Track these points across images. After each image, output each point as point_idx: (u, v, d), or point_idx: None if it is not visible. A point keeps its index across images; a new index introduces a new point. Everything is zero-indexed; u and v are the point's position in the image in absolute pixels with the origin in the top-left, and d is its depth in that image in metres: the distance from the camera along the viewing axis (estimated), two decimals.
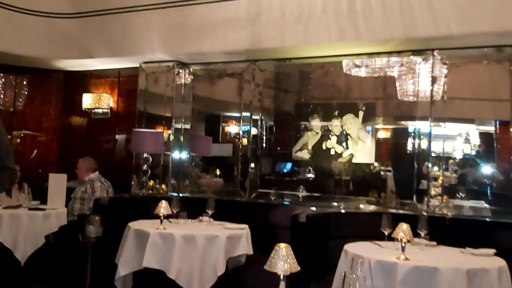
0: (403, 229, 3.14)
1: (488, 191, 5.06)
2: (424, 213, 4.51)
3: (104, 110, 6.58)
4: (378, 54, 5.04)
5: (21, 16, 5.78)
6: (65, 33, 6.00)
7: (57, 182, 5.30)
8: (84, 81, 6.78)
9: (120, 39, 5.80)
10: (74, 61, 6.32)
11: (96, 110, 6.62)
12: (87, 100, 6.58)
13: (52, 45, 6.04)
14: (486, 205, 4.88)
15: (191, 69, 6.04)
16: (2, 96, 6.48)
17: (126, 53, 5.85)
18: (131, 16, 5.62)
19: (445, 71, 4.78)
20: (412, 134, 5.41)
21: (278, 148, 6.35)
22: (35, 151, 6.51)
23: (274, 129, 6.24)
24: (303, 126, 5.96)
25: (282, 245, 2.07)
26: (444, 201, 4.76)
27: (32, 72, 6.60)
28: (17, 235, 4.74)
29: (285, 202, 5.43)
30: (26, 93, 6.66)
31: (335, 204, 5.27)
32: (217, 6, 5.13)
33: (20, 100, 6.62)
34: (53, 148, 6.87)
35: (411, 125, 5.47)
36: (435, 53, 4.74)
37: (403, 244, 3.09)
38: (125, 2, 5.61)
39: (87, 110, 6.65)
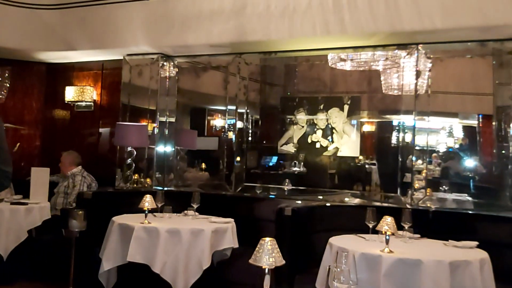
0: (387, 222, 3.17)
1: (471, 184, 5.13)
2: (408, 206, 4.55)
3: (88, 103, 6.49)
4: (363, 48, 5.06)
5: (2, 7, 5.68)
6: (46, 25, 5.90)
7: (39, 176, 5.24)
8: (66, 73, 6.68)
9: (103, 31, 5.72)
10: (56, 53, 6.22)
11: (79, 103, 6.53)
12: (70, 93, 6.49)
13: (33, 37, 5.94)
14: (469, 198, 4.95)
15: (176, 61, 5.99)
16: None
17: (109, 45, 5.77)
18: (114, 7, 5.55)
19: (429, 65, 4.82)
20: (397, 128, 5.45)
21: (264, 142, 6.35)
22: (18, 144, 6.41)
23: (259, 123, 6.23)
24: (288, 119, 5.97)
25: (267, 239, 2.07)
26: (427, 194, 4.81)
27: (13, 64, 6.48)
28: None
29: (270, 196, 5.43)
30: (8, 85, 6.53)
31: (320, 197, 5.29)
32: None
33: (2, 92, 6.49)
34: (36, 141, 6.78)
35: (396, 119, 5.50)
36: (419, 47, 4.77)
37: (387, 237, 3.11)
38: None
39: (70, 103, 6.57)
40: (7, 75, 6.47)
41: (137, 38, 5.49)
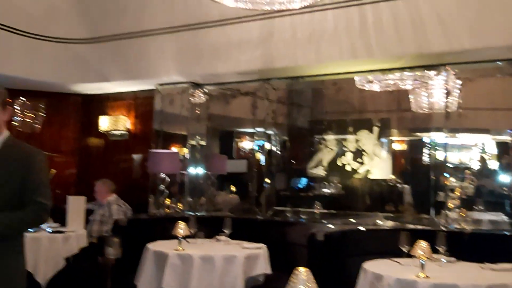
0: (421, 247, 3.14)
1: (507, 202, 5.01)
2: (443, 228, 4.48)
3: (122, 132, 6.68)
4: (391, 70, 5.06)
5: (38, 42, 5.90)
6: (81, 58, 6.13)
7: (76, 204, 5.36)
8: (101, 104, 6.91)
9: (135, 62, 5.91)
10: (91, 85, 6.45)
11: (114, 132, 6.72)
12: (105, 123, 6.70)
13: (68, 69, 6.17)
14: (505, 217, 4.83)
15: (206, 89, 6.11)
16: (21, 119, 6.59)
17: (141, 76, 5.97)
18: (146, 39, 5.73)
19: (459, 81, 4.78)
20: (428, 146, 5.40)
21: (293, 164, 6.36)
22: (53, 171, 6.60)
23: (288, 145, 6.26)
24: (317, 142, 5.98)
25: (302, 269, 2.08)
26: (462, 214, 4.72)
27: (50, 96, 6.72)
28: (37, 258, 4.75)
29: (301, 220, 5.41)
30: (43, 115, 6.75)
31: (352, 220, 5.25)
32: (230, 28, 5.20)
33: (37, 121, 6.71)
34: (72, 170, 6.97)
35: (426, 137, 5.45)
36: (448, 68, 4.74)
37: (422, 262, 3.08)
38: (140, 26, 5.72)
39: (104, 132, 6.77)
40: (42, 106, 6.70)
41: (169, 68, 5.65)
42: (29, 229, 2.60)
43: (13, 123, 6.19)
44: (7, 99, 2.52)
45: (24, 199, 2.40)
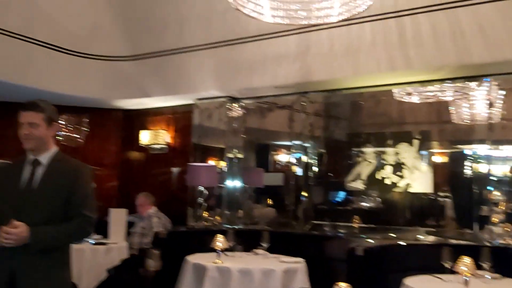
0: (465, 263, 3.06)
1: None
2: (487, 243, 4.35)
3: (161, 146, 6.81)
4: (430, 81, 4.98)
5: (82, 60, 6.11)
6: (123, 75, 6.31)
7: (118, 217, 5.49)
8: (141, 118, 7.08)
9: (175, 78, 6.05)
10: (132, 100, 6.63)
11: (154, 146, 6.87)
12: (145, 137, 6.86)
13: (112, 86, 6.37)
14: None
15: (243, 103, 6.18)
16: (65, 134, 6.82)
17: (181, 91, 6.10)
18: (185, 56, 5.85)
19: (502, 92, 4.65)
20: (470, 159, 5.26)
21: (330, 177, 6.31)
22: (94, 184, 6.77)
23: (325, 159, 6.22)
24: (356, 155, 5.92)
25: (343, 284, 2.07)
26: (506, 229, 4.56)
27: (93, 111, 6.93)
28: (81, 269, 4.89)
29: (340, 234, 5.35)
30: (86, 130, 6.97)
31: (392, 235, 5.15)
32: (266, 43, 5.26)
33: (81, 136, 6.92)
34: (113, 183, 7.15)
35: (468, 149, 5.31)
36: (490, 79, 4.63)
37: (466, 278, 3.00)
38: (179, 43, 5.86)
39: (145, 146, 6.92)
40: (86, 120, 6.92)
41: (207, 83, 5.76)
42: (75, 241, 2.68)
43: (58, 137, 6.42)
44: (56, 115, 2.63)
45: (71, 212, 2.49)
